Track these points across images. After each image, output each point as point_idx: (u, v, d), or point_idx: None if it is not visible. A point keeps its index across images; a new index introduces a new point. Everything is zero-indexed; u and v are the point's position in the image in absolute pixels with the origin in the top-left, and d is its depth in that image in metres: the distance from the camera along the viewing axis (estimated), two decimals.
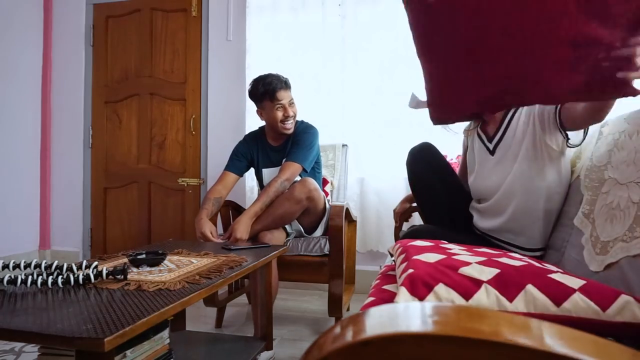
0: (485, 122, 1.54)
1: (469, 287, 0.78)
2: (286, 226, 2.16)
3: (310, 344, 0.31)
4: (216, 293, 2.10)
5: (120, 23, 3.42)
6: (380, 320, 0.30)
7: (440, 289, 0.78)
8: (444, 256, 0.93)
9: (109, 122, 3.43)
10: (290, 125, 2.18)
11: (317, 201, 2.07)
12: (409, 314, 0.31)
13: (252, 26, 2.97)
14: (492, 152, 1.50)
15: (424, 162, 1.67)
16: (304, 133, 2.21)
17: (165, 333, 1.21)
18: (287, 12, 2.93)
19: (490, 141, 1.51)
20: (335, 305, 2.01)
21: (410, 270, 0.83)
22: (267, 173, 2.29)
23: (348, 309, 2.42)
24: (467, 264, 0.85)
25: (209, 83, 3.20)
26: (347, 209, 2.22)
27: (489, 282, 0.78)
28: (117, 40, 3.42)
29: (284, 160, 2.17)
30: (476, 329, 0.28)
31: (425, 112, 2.91)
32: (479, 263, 0.84)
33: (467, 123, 1.68)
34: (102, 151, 3.43)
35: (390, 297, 0.96)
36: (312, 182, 2.03)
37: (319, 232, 2.20)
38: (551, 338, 0.28)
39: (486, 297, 0.76)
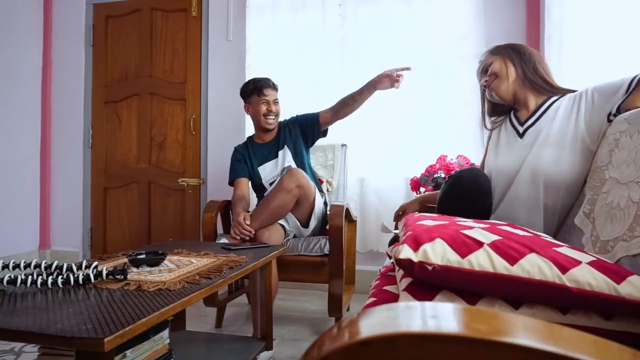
0: (517, 110, 1.54)
1: (467, 245, 0.75)
2: (283, 224, 2.17)
3: (310, 344, 0.31)
4: (216, 293, 2.10)
5: (120, 23, 3.42)
6: (380, 320, 0.30)
7: (436, 244, 0.75)
8: (447, 222, 0.91)
9: (109, 122, 3.43)
10: (272, 121, 2.36)
11: (307, 189, 2.09)
12: (409, 314, 0.31)
13: (252, 26, 2.97)
14: (520, 135, 1.47)
15: (458, 192, 1.42)
16: (296, 116, 2.46)
17: (165, 333, 1.21)
18: (287, 12, 2.93)
19: (521, 125, 1.49)
20: (335, 305, 2.01)
21: (410, 233, 0.82)
22: (263, 169, 2.38)
23: (348, 309, 2.42)
24: (470, 227, 0.83)
25: (209, 83, 3.20)
26: (347, 209, 2.23)
27: (490, 245, 0.74)
28: (117, 40, 3.42)
29: (289, 150, 2.34)
30: (476, 328, 0.28)
31: (423, 107, 2.92)
32: (483, 229, 0.82)
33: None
34: (102, 151, 3.43)
35: (391, 298, 0.96)
36: (300, 171, 2.10)
37: (313, 223, 2.19)
38: (551, 338, 0.27)
39: (484, 258, 0.72)
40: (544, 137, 1.39)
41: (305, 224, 2.19)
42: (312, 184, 2.15)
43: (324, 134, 2.44)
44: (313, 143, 2.47)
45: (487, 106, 1.66)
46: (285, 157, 2.37)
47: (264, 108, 2.34)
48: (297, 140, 2.40)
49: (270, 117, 2.35)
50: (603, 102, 1.29)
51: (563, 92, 1.45)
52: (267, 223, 2.04)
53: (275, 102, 2.38)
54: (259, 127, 2.41)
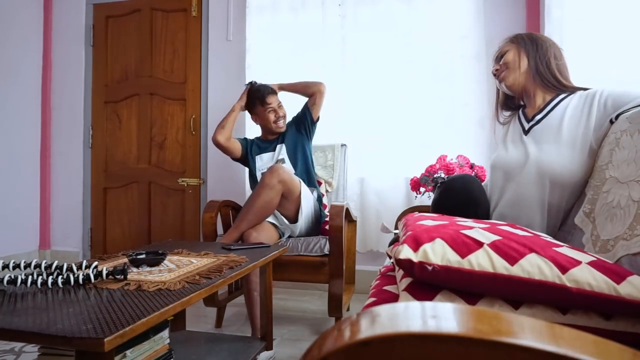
0: (525, 106, 1.55)
1: (467, 246, 0.75)
2: (275, 222, 2.16)
3: (310, 344, 0.31)
4: (216, 293, 2.10)
5: (120, 23, 3.42)
6: (380, 320, 0.30)
7: (436, 244, 0.75)
8: (446, 222, 0.91)
9: (109, 122, 3.43)
10: (282, 124, 2.48)
11: (290, 183, 2.09)
12: (409, 314, 0.31)
13: (252, 26, 2.97)
14: (526, 132, 1.46)
15: (451, 200, 1.46)
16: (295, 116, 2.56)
17: (165, 333, 1.21)
18: (287, 12, 2.93)
19: (528, 122, 1.49)
20: (335, 305, 2.00)
21: (410, 233, 0.82)
22: (260, 159, 2.48)
23: (348, 309, 2.42)
24: (470, 228, 0.83)
25: (209, 83, 3.20)
26: (347, 209, 2.22)
27: (490, 245, 0.74)
28: (117, 40, 3.42)
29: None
30: (477, 328, 0.28)
31: (423, 107, 2.93)
32: (483, 229, 0.82)
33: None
34: (102, 151, 3.43)
35: (391, 298, 0.96)
36: (281, 167, 2.12)
37: (301, 218, 2.18)
38: (551, 338, 0.27)
39: (484, 258, 0.72)
40: (553, 135, 1.37)
41: (294, 220, 2.19)
42: (296, 178, 2.16)
43: (317, 119, 2.53)
44: (310, 128, 2.51)
45: (501, 97, 1.65)
46: (281, 151, 2.45)
47: (272, 116, 2.45)
48: (294, 134, 2.49)
49: (280, 121, 2.47)
50: (614, 111, 1.28)
51: (573, 89, 1.43)
52: (254, 222, 2.04)
53: (280, 106, 2.48)
54: (270, 132, 2.52)
